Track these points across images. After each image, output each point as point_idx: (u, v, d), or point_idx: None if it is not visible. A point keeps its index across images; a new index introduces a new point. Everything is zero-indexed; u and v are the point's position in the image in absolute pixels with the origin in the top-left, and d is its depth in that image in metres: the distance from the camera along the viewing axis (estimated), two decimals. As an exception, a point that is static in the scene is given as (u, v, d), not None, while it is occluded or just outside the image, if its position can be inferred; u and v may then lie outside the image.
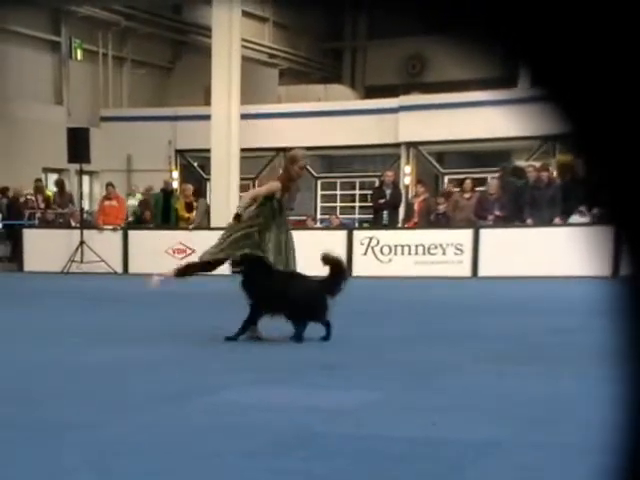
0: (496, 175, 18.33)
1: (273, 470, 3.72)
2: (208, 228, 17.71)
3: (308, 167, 23.12)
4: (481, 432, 4.29)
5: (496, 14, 0.73)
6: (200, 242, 17.03)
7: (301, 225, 19.75)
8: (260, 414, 4.73)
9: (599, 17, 0.70)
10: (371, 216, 19.00)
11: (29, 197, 19.95)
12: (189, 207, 18.52)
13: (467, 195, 17.43)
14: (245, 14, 22.15)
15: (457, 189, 18.25)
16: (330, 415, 4.73)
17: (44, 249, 16.91)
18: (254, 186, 23.55)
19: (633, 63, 0.70)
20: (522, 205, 16.25)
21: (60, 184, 20.49)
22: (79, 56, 24.38)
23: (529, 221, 16.02)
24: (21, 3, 21.76)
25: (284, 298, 7.37)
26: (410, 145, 21.95)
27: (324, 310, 7.49)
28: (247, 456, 3.90)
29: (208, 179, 21.85)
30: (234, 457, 3.89)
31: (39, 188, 20.21)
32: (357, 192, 23.55)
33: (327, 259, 7.54)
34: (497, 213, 16.65)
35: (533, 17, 0.72)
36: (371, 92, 27.32)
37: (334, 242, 15.86)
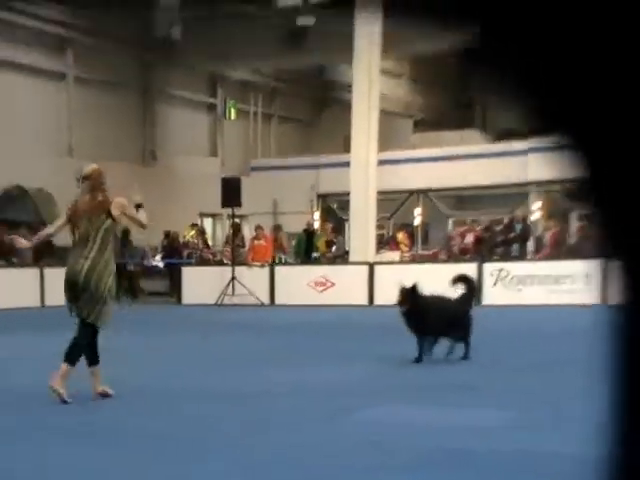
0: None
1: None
2: (346, 263, 18.11)
3: (437, 204, 23.39)
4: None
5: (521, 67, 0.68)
6: (338, 276, 17.76)
7: (433, 257, 19.82)
8: (406, 432, 4.58)
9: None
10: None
11: (191, 240, 21.11)
12: (329, 244, 18.97)
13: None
14: (382, 71, 22.59)
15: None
16: (476, 433, 4.51)
17: (200, 284, 17.77)
18: (388, 225, 23.82)
19: None
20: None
21: (236, 227, 21.54)
22: (232, 115, 25.59)
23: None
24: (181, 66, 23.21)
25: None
26: (539, 184, 21.57)
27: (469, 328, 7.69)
28: (397, 472, 3.75)
29: (346, 219, 22.29)
30: (385, 473, 3.74)
31: (201, 231, 21.43)
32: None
33: (459, 277, 7.87)
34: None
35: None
36: (502, 135, 27.06)
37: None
